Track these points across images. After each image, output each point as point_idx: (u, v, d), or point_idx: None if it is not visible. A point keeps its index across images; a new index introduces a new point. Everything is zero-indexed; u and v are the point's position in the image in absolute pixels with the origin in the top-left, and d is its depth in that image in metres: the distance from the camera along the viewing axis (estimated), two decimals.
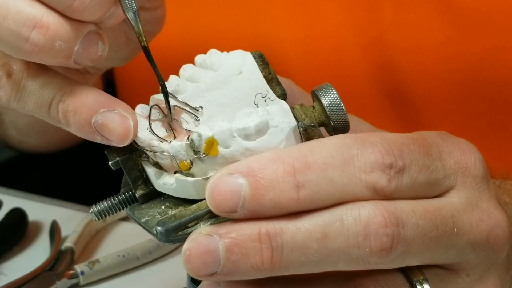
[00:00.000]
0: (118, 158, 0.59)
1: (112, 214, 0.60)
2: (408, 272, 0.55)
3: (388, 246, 0.51)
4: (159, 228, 0.54)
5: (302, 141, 0.55)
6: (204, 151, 0.55)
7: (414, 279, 0.55)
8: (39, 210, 0.88)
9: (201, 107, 0.59)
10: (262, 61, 0.61)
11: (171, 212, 0.57)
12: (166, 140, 0.57)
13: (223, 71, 0.60)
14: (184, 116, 0.59)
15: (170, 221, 0.54)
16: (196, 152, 0.55)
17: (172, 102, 0.59)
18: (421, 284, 0.55)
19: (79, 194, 0.95)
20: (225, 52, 0.62)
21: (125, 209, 0.60)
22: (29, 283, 0.76)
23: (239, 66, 0.61)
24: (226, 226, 0.52)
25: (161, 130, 0.58)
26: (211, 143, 0.55)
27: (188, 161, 0.56)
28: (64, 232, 0.83)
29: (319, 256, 0.51)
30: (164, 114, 0.59)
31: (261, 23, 0.90)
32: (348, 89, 0.86)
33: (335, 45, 0.88)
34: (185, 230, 0.54)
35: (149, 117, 0.59)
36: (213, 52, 0.62)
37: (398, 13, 0.86)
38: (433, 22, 0.85)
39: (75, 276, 0.77)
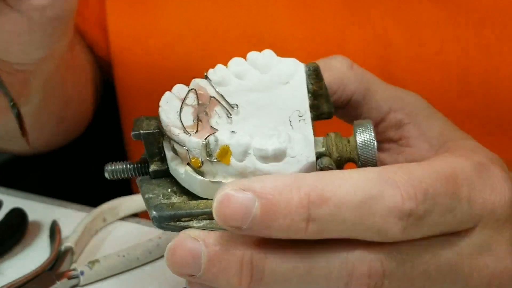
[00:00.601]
0: (141, 131, 0.59)
1: (124, 177, 0.61)
2: None
3: None
4: (154, 212, 0.55)
5: None
6: (216, 157, 0.55)
7: None
8: (39, 210, 0.88)
9: (237, 105, 0.58)
10: (316, 75, 0.60)
11: (174, 198, 0.58)
12: (187, 132, 0.57)
13: (271, 76, 0.60)
14: (218, 110, 0.58)
15: (167, 209, 0.55)
16: (209, 154, 0.55)
17: (210, 91, 0.58)
18: None
19: (79, 194, 0.95)
20: (279, 57, 0.61)
21: (136, 178, 0.60)
22: (29, 283, 0.75)
23: (288, 76, 0.60)
24: (214, 237, 0.52)
25: (189, 118, 0.58)
26: (225, 151, 0.54)
27: (200, 160, 0.56)
28: (64, 232, 0.83)
29: None
30: (199, 102, 0.58)
31: (261, 22, 0.90)
32: None
33: (335, 45, 0.88)
34: (177, 223, 0.54)
35: (183, 100, 0.58)
36: (267, 53, 0.61)
37: (398, 13, 0.86)
38: (433, 20, 0.85)
39: (75, 276, 0.77)
